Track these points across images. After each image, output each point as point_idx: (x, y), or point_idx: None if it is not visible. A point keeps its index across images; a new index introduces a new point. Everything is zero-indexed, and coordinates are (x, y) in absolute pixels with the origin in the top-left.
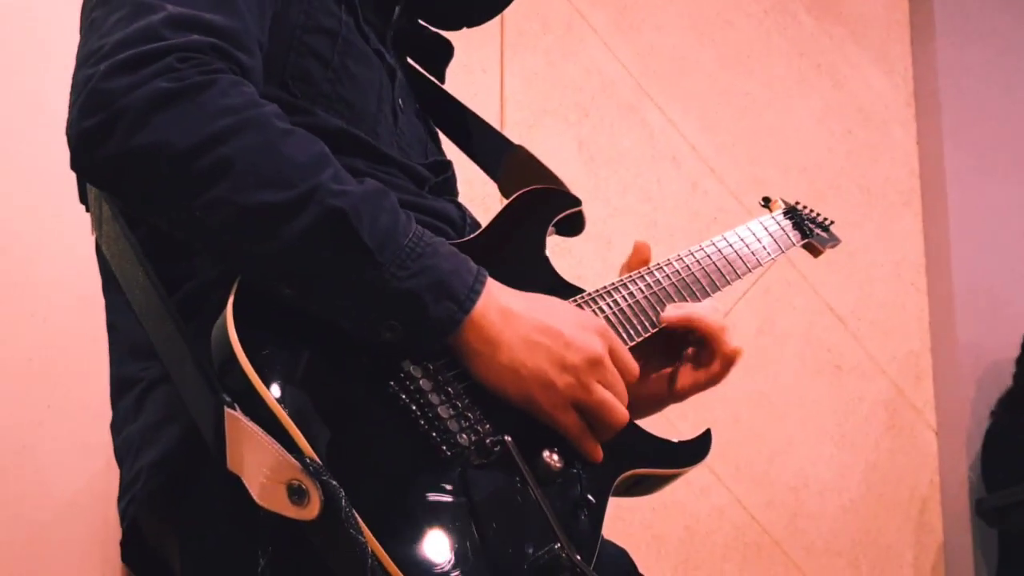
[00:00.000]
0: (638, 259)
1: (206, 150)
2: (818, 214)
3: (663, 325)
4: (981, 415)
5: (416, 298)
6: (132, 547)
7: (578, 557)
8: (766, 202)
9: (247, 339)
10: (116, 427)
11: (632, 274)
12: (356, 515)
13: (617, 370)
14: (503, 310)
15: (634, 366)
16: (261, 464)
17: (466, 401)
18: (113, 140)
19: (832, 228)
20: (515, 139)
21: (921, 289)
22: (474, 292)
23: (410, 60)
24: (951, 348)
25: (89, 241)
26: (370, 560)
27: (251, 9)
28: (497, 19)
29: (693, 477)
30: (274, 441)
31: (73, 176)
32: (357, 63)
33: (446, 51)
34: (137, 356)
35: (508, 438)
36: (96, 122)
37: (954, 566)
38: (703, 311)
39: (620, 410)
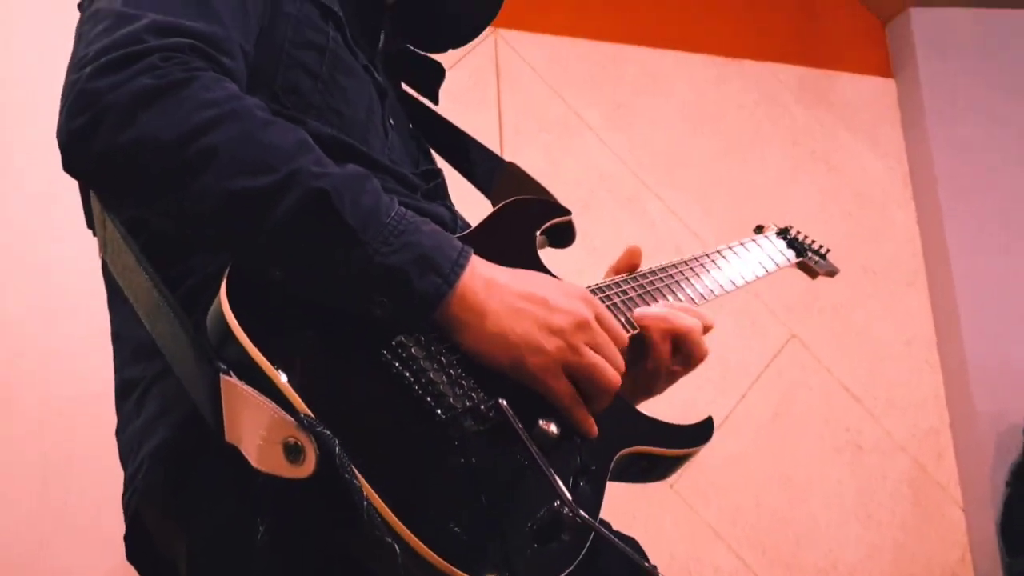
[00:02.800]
0: (627, 262)
1: (190, 141)
2: (813, 240)
3: (640, 326)
4: None
5: (401, 273)
6: (135, 542)
7: (581, 512)
8: (759, 229)
9: (241, 314)
10: (120, 430)
11: (625, 275)
12: (350, 463)
13: (607, 334)
14: (488, 281)
15: (622, 332)
16: (258, 425)
17: (459, 371)
18: (100, 137)
19: (829, 256)
20: None
21: (935, 365)
22: (458, 266)
23: (404, 86)
24: (970, 422)
25: (105, 337)
26: (366, 503)
27: (234, 18)
28: (495, 118)
29: (722, 564)
30: (268, 400)
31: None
32: (346, 76)
33: (438, 73)
34: (139, 358)
35: (503, 401)
36: (83, 121)
37: None
38: (673, 312)
39: (611, 372)
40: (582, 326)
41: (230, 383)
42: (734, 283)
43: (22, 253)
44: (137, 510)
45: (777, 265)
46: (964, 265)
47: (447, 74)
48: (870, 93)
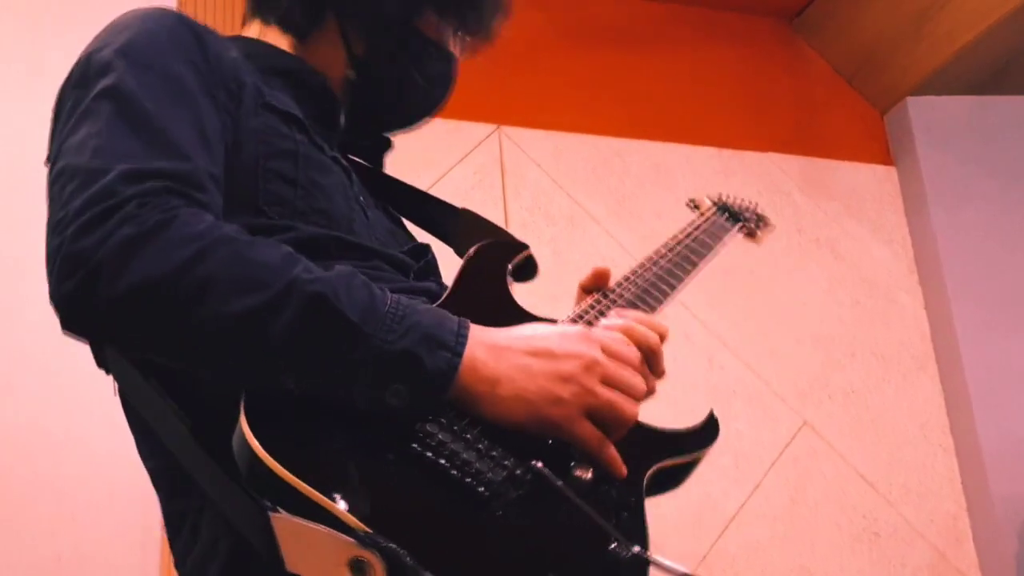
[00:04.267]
0: (594, 280)
1: (183, 275)
2: (750, 201)
3: None
4: None
5: (412, 355)
6: None
7: (637, 548)
8: (695, 205)
9: (266, 438)
10: (179, 563)
11: (596, 297)
12: (420, 569)
13: (618, 362)
14: (491, 346)
15: (632, 353)
16: (318, 554)
17: (486, 443)
18: (96, 294)
19: (766, 214)
20: None
21: (949, 450)
22: (462, 336)
23: (352, 157)
24: (987, 506)
25: (118, 438)
26: None
27: (198, 150)
28: (501, 214)
29: None
30: (323, 527)
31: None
32: (320, 174)
33: (383, 143)
34: (180, 490)
35: (538, 463)
36: (76, 282)
37: None
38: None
39: (628, 404)
40: (590, 366)
41: (281, 519)
42: (688, 270)
43: (31, 355)
44: None
45: (724, 241)
46: (973, 348)
47: (454, 171)
48: (872, 181)
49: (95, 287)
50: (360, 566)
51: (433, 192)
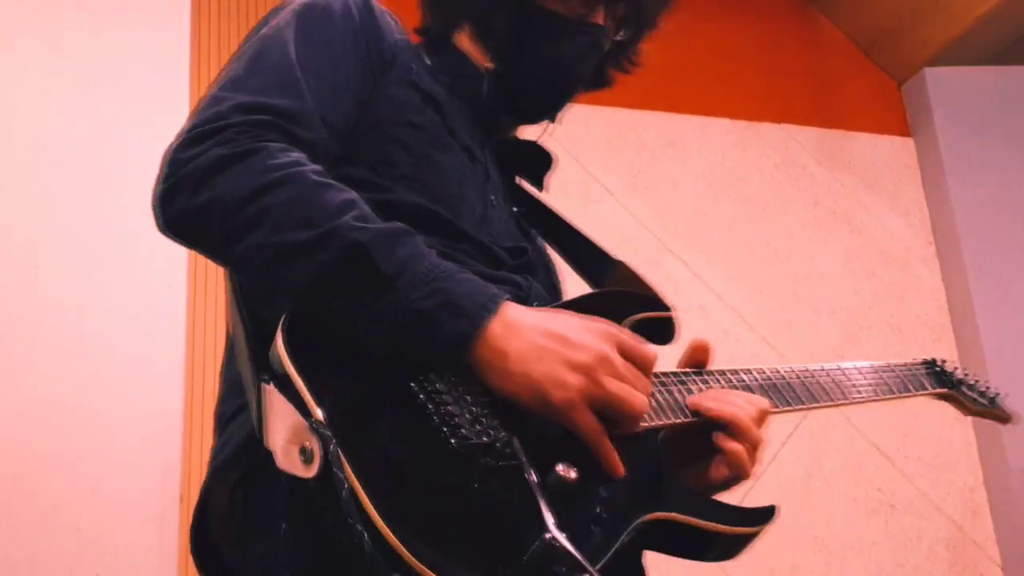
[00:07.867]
0: (692, 358)
1: (251, 201)
2: (979, 380)
3: (695, 412)
4: None
5: (431, 317)
6: (200, 537)
7: (569, 545)
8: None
9: (292, 338)
10: (213, 457)
11: (712, 370)
12: (345, 462)
13: (632, 362)
14: (514, 323)
15: (650, 354)
16: (284, 429)
17: (482, 409)
18: (179, 199)
19: (1001, 400)
20: None
21: (966, 422)
22: (486, 310)
23: (519, 181)
24: (1004, 479)
25: (137, 411)
26: (347, 486)
27: (320, 96)
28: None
29: None
30: (293, 408)
31: None
32: (441, 153)
33: (545, 161)
34: (232, 393)
35: (516, 439)
36: (167, 186)
37: None
38: (735, 410)
39: (636, 397)
40: (602, 360)
41: (268, 391)
42: (835, 399)
43: (51, 329)
44: (211, 487)
45: (910, 393)
46: (990, 320)
47: None
48: (889, 152)
49: (178, 193)
50: (305, 451)
51: None
